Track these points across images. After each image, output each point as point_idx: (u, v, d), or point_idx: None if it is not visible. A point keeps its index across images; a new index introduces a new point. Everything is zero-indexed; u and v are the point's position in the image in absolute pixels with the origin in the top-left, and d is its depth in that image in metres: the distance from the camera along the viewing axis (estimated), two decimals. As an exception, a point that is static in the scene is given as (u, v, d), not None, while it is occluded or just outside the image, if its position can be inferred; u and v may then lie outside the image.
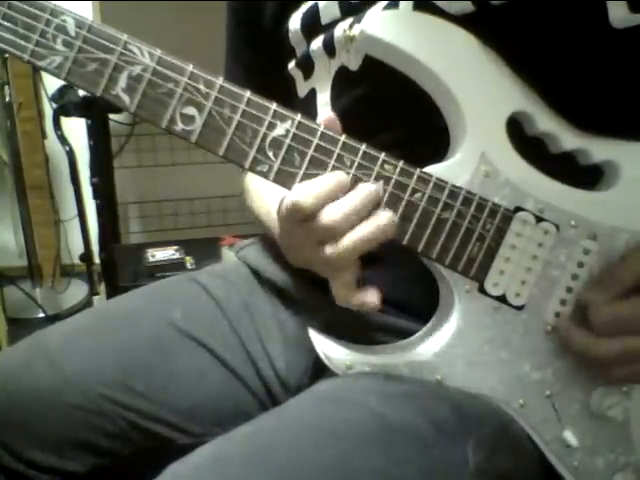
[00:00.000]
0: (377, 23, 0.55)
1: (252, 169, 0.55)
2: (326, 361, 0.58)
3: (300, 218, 0.53)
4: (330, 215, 0.52)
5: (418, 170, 0.55)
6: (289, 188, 0.55)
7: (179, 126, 0.54)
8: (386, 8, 0.60)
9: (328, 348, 0.58)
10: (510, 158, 0.57)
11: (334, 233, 0.52)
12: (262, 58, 0.77)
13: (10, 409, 0.65)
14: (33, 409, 0.65)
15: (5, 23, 0.53)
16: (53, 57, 0.53)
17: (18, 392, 0.65)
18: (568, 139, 0.57)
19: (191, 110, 0.54)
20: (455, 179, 0.56)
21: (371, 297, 0.56)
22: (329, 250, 0.53)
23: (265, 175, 0.55)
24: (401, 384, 0.57)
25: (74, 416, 0.65)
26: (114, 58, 0.53)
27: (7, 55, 1.99)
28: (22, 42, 0.53)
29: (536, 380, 0.57)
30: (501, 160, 0.56)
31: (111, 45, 0.53)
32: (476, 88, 0.56)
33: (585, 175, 0.58)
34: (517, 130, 0.57)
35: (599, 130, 0.58)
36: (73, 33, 0.53)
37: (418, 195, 0.55)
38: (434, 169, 0.56)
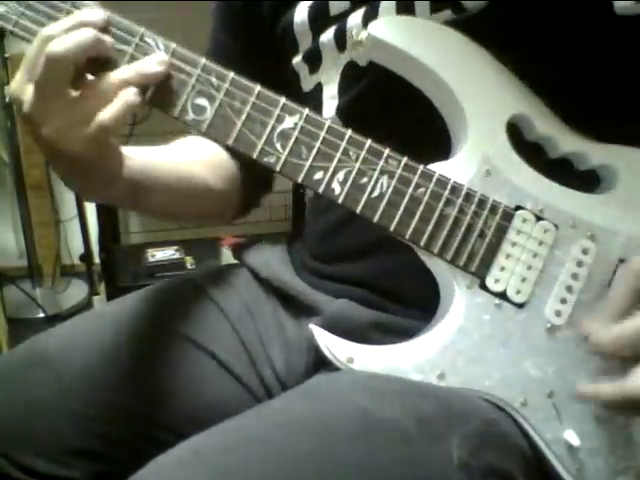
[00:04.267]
0: (383, 27, 0.56)
1: (260, 160, 0.56)
2: (327, 353, 0.57)
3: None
4: None
5: (422, 166, 0.56)
6: (296, 180, 0.56)
7: (190, 116, 0.55)
8: (400, 6, 0.60)
9: (330, 341, 0.57)
10: (511, 159, 0.57)
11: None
12: (262, 53, 0.75)
13: (9, 416, 0.64)
14: (32, 416, 0.64)
15: (28, 13, 0.54)
16: None
17: (16, 399, 0.65)
18: (566, 142, 0.58)
19: (202, 101, 0.55)
20: (457, 177, 0.57)
21: None
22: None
23: (272, 166, 0.56)
24: (387, 382, 0.56)
25: (73, 422, 0.64)
26: (130, 49, 0.55)
27: (7, 55, 1.98)
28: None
29: (537, 378, 0.57)
30: (502, 160, 0.57)
31: (128, 37, 0.55)
32: (478, 91, 0.57)
33: (583, 180, 0.59)
34: (517, 137, 0.58)
35: (599, 130, 0.58)
36: None
37: (421, 190, 0.56)
38: (436, 167, 0.57)
